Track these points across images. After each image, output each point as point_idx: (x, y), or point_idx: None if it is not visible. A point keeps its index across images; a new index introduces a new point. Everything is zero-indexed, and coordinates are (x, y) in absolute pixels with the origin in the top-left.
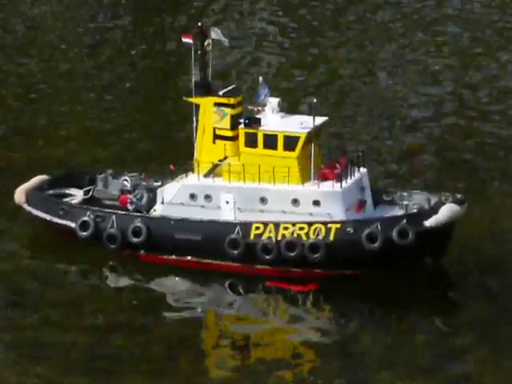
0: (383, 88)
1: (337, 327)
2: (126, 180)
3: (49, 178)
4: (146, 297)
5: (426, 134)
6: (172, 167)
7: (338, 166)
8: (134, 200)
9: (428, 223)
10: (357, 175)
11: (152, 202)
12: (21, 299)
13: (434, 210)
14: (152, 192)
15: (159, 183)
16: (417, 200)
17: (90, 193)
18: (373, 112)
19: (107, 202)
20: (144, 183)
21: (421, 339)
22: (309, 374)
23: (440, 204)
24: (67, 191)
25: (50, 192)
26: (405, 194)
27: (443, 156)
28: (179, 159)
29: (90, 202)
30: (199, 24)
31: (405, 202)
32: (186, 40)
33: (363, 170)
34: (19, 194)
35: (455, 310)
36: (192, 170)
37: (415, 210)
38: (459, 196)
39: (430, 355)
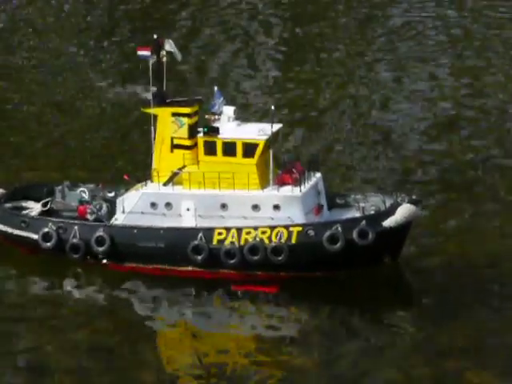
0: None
1: (299, 328)
2: (83, 191)
3: (4, 191)
4: (111, 304)
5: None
6: (126, 177)
7: (294, 171)
8: (94, 210)
9: (386, 223)
10: (313, 180)
11: (111, 211)
12: None
13: (391, 211)
14: (110, 202)
15: (113, 194)
16: (372, 202)
17: (49, 205)
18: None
19: (66, 214)
20: (101, 194)
21: (382, 339)
22: (274, 374)
23: (396, 205)
24: (24, 204)
25: (7, 205)
26: (359, 196)
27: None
28: (130, 169)
29: (47, 213)
30: (155, 36)
31: (361, 204)
32: (142, 52)
33: (318, 174)
34: None
35: (416, 308)
36: (150, 179)
37: (373, 212)
38: (414, 197)
39: (395, 355)
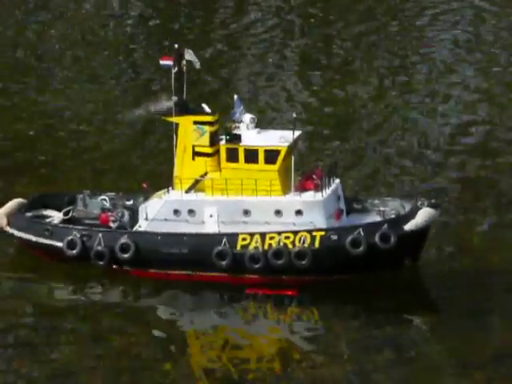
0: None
1: (318, 331)
2: (104, 199)
3: (25, 200)
4: (135, 309)
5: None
6: (145, 186)
7: (314, 176)
8: (117, 218)
9: (407, 227)
10: (333, 185)
11: (134, 219)
12: (17, 320)
13: (411, 215)
14: (131, 210)
15: (131, 202)
16: (392, 206)
17: (70, 213)
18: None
19: (87, 222)
20: (120, 202)
21: (403, 341)
22: (287, 374)
23: (416, 209)
24: (44, 213)
25: (29, 214)
26: (376, 201)
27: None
28: (143, 178)
29: (69, 222)
30: (176, 46)
31: (381, 209)
32: (165, 62)
33: (337, 180)
34: (0, 218)
35: (438, 311)
36: (172, 187)
37: (394, 216)
38: (434, 201)
39: (413, 357)
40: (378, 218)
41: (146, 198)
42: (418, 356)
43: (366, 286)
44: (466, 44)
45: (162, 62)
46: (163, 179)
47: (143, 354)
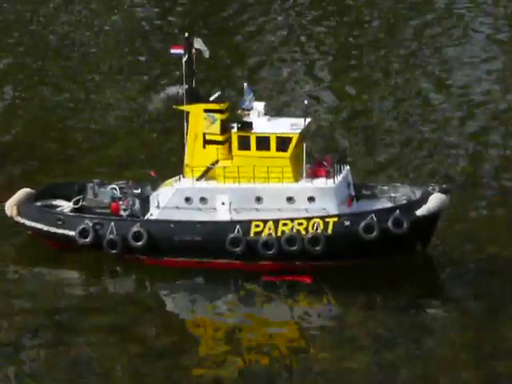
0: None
1: (333, 317)
2: (114, 188)
3: (33, 190)
4: (149, 296)
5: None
6: (153, 174)
7: (324, 163)
8: (128, 206)
9: (419, 212)
10: (343, 172)
11: (144, 207)
12: (33, 306)
13: (422, 200)
14: (142, 198)
15: (139, 190)
16: (403, 192)
17: (80, 202)
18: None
19: (98, 211)
20: (130, 191)
21: (419, 330)
22: (306, 362)
23: (427, 194)
24: (53, 203)
25: (38, 204)
26: (385, 187)
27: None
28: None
29: (79, 211)
30: (186, 34)
31: (392, 195)
32: (176, 51)
33: (347, 167)
34: (10, 208)
35: (448, 296)
36: (183, 175)
37: (405, 201)
38: (444, 186)
39: (426, 342)
40: (388, 204)
41: (154, 187)
42: (435, 346)
43: (378, 271)
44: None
45: (172, 51)
46: (168, 167)
47: (158, 343)
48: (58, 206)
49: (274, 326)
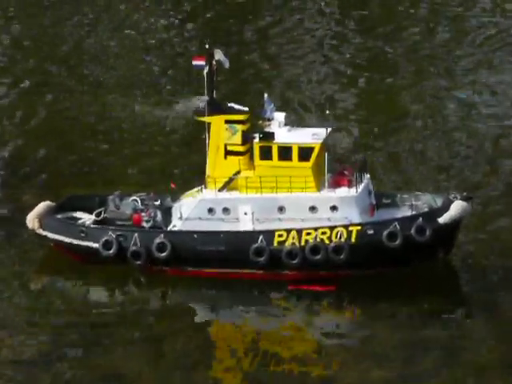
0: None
1: (357, 326)
2: (135, 200)
3: (54, 203)
4: (174, 308)
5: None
6: (173, 185)
7: (345, 172)
8: (150, 218)
9: (442, 220)
10: (364, 180)
11: (166, 219)
12: (59, 321)
13: (444, 208)
14: (164, 209)
15: (158, 202)
16: (424, 200)
17: (102, 214)
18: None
19: (119, 223)
20: (151, 202)
21: (445, 339)
22: (329, 374)
23: (449, 202)
24: (74, 215)
25: (59, 217)
26: (405, 196)
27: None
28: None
29: (101, 223)
30: (207, 46)
31: (414, 203)
32: (198, 62)
33: (367, 175)
34: (31, 221)
35: (476, 306)
36: (205, 186)
37: (427, 209)
38: (465, 193)
39: (446, 354)
40: (409, 212)
41: (174, 198)
42: (463, 355)
43: (401, 280)
44: None
45: (194, 63)
46: (188, 179)
47: (185, 355)
48: (78, 219)
49: (298, 336)
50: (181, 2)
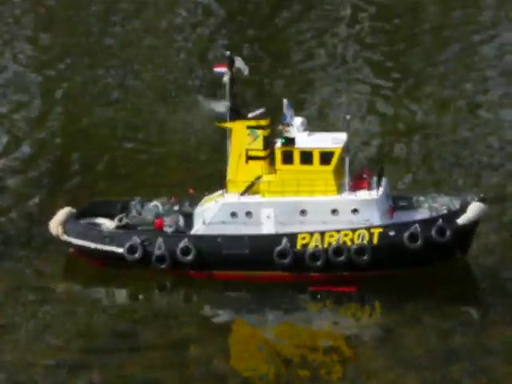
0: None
1: (378, 326)
2: (156, 205)
3: (75, 209)
4: (198, 308)
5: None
6: (192, 191)
7: (365, 176)
8: (172, 223)
9: (460, 221)
10: (383, 183)
11: (187, 223)
12: (86, 327)
13: (462, 210)
14: (185, 214)
15: (177, 207)
16: (442, 202)
17: (124, 219)
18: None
19: (142, 228)
20: (173, 208)
21: (471, 345)
22: (350, 372)
23: (467, 203)
24: (96, 221)
25: (82, 222)
26: (422, 198)
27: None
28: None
29: (123, 228)
30: (227, 53)
31: (432, 205)
32: (219, 69)
33: (384, 179)
34: (55, 226)
35: (494, 306)
36: (226, 190)
37: (445, 211)
38: (482, 195)
39: (469, 354)
40: (427, 214)
41: (193, 203)
42: (490, 361)
43: (421, 280)
44: None
45: (215, 69)
46: (206, 184)
47: (206, 358)
48: (100, 224)
49: (321, 338)
50: (211, 13)
